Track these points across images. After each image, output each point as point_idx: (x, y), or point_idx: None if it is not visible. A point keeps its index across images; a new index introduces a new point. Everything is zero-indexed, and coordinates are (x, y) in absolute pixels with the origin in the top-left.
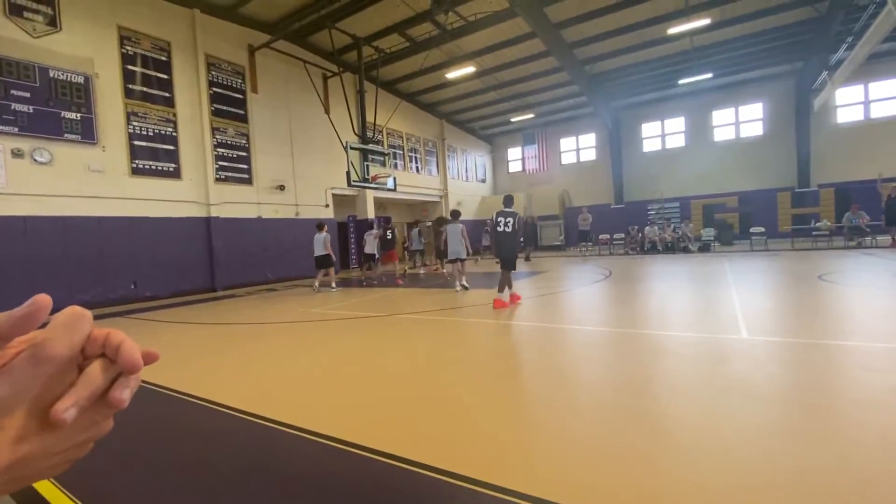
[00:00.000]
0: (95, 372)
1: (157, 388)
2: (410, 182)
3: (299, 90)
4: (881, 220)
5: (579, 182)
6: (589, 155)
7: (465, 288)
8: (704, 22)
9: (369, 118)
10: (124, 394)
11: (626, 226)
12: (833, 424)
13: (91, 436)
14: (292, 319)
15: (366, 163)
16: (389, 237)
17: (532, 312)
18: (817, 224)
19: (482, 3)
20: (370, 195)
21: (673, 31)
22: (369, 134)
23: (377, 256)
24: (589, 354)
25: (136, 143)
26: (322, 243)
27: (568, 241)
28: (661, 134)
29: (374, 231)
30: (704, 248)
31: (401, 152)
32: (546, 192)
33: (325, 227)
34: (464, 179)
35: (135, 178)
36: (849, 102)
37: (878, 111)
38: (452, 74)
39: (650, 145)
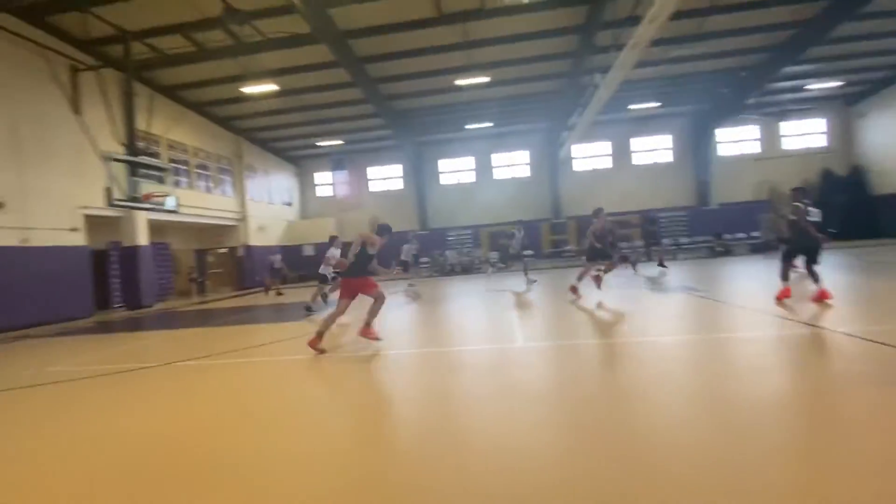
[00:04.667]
0: None
1: None
2: (199, 203)
3: (32, 81)
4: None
5: (389, 209)
6: (397, 184)
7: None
8: (484, 79)
9: (141, 126)
10: None
11: (431, 251)
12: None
13: None
14: (26, 384)
15: (134, 178)
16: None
17: (345, 340)
18: (568, 247)
19: (282, 22)
20: (142, 217)
21: (459, 82)
22: (141, 144)
23: None
24: (405, 378)
25: None
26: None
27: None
28: (456, 170)
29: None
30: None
31: (185, 168)
32: (357, 217)
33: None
34: (267, 202)
35: None
36: (581, 156)
37: (597, 164)
38: (250, 90)
39: (449, 179)
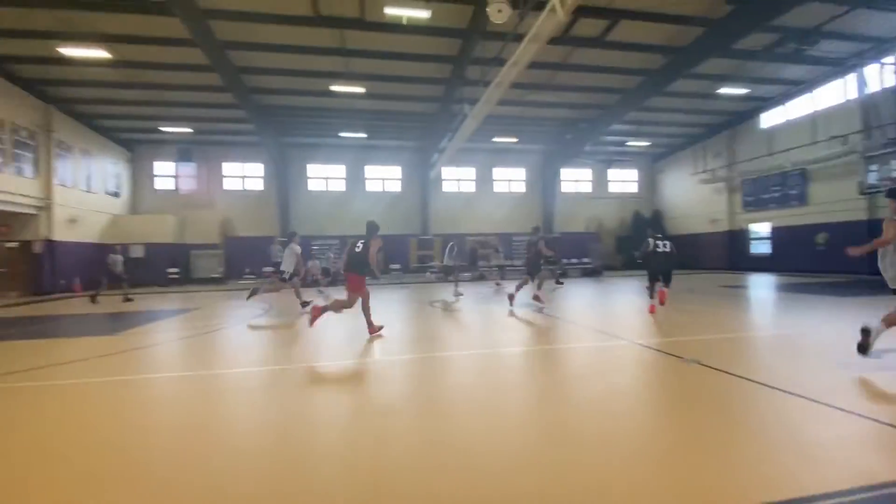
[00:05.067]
0: None
1: None
2: None
3: None
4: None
5: (247, 211)
6: (256, 184)
7: None
8: (360, 90)
9: None
10: None
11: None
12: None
13: None
14: None
15: None
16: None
17: (170, 359)
18: (433, 263)
19: None
20: None
21: (334, 88)
22: None
23: None
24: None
25: None
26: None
27: (229, 273)
28: (326, 177)
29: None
30: None
31: None
32: (205, 217)
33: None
34: (84, 189)
35: None
36: (450, 178)
37: (465, 187)
38: (71, 52)
39: (317, 185)
